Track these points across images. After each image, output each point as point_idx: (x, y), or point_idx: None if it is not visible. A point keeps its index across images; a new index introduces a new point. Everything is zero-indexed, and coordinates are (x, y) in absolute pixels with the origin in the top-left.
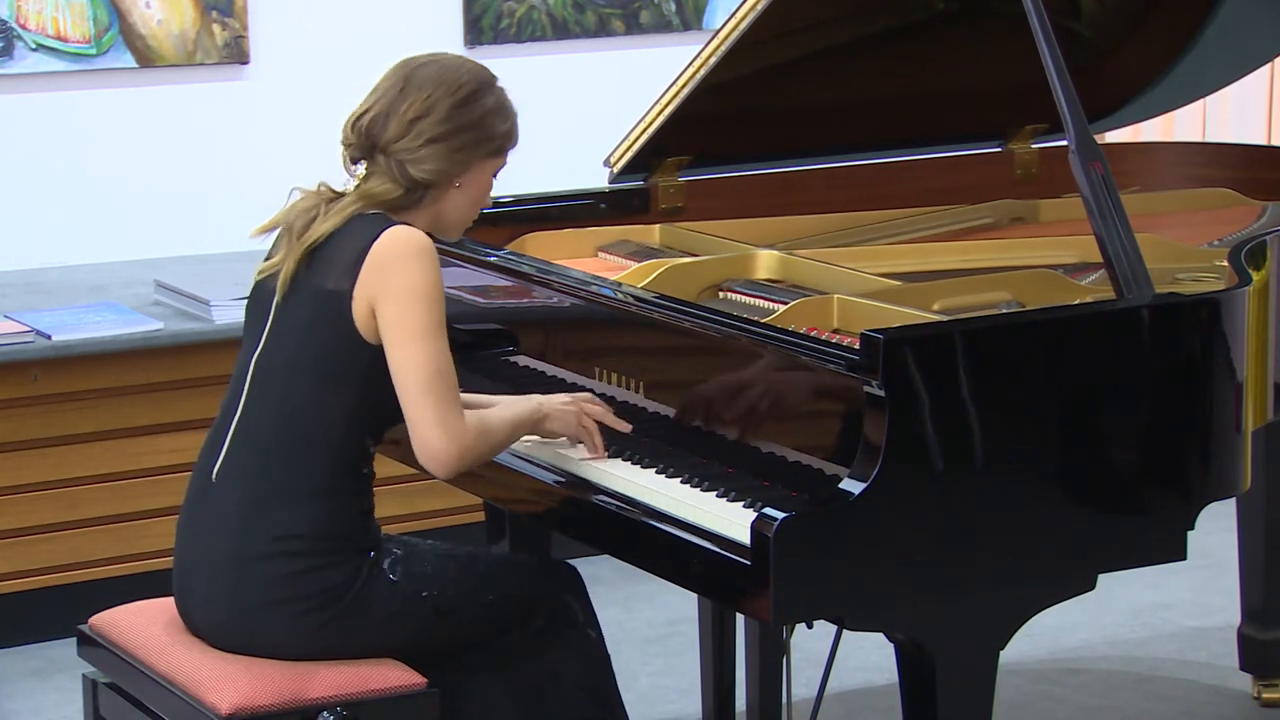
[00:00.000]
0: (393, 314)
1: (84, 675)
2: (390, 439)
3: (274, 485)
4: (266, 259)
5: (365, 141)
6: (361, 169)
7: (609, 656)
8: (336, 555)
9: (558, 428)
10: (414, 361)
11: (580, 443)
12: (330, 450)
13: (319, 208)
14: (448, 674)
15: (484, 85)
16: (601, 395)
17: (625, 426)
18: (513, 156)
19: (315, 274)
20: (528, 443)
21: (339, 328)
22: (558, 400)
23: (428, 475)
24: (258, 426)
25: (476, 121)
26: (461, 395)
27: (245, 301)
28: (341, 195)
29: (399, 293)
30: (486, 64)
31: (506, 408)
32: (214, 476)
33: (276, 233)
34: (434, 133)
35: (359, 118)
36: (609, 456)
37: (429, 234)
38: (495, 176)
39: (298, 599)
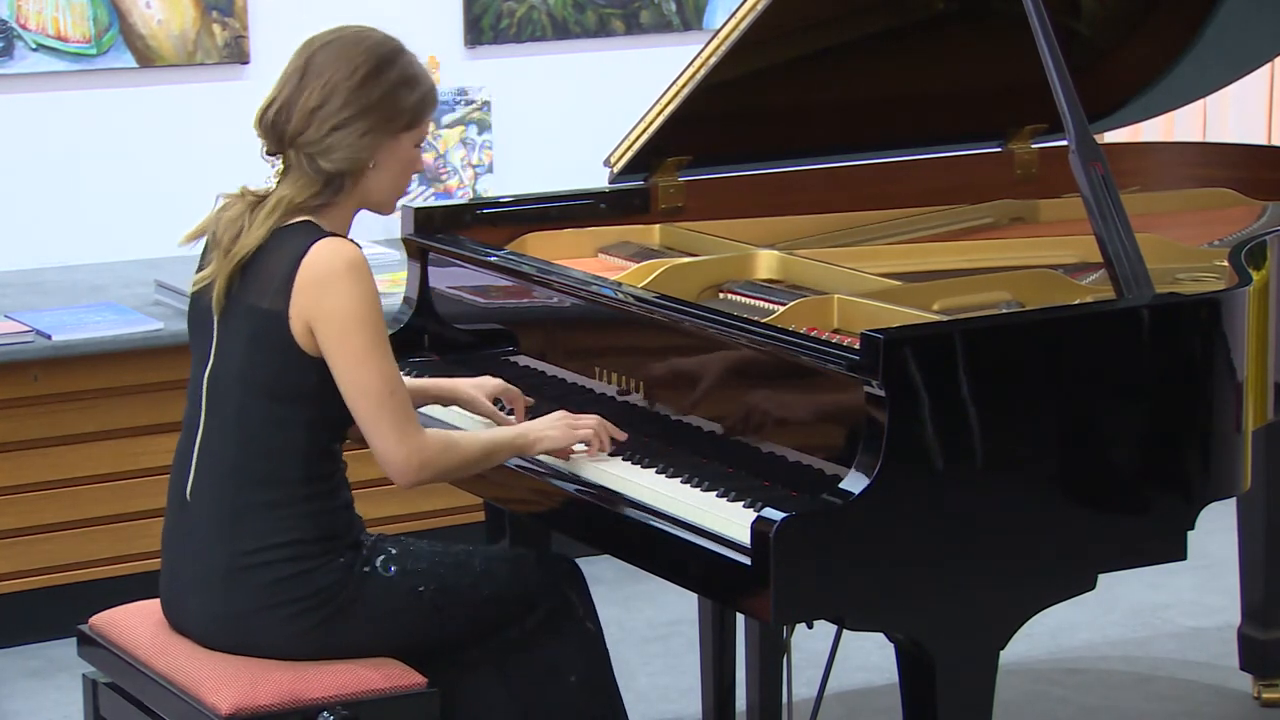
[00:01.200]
0: (333, 340)
1: (84, 675)
2: None
3: (247, 502)
4: (198, 269)
5: (273, 135)
6: (280, 164)
7: (608, 651)
8: (325, 555)
9: (549, 447)
10: (362, 384)
11: (578, 449)
12: (296, 461)
13: (245, 216)
14: (446, 670)
15: (383, 61)
16: (601, 395)
17: (621, 435)
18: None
19: (249, 290)
20: None
21: (282, 348)
22: (541, 423)
23: None
24: (221, 448)
25: (379, 101)
26: (431, 381)
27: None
28: (264, 198)
29: (335, 317)
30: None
31: (485, 431)
32: (188, 495)
33: (206, 240)
34: (336, 120)
35: (264, 111)
36: (609, 456)
37: (369, 210)
38: (419, 147)
39: (291, 602)
